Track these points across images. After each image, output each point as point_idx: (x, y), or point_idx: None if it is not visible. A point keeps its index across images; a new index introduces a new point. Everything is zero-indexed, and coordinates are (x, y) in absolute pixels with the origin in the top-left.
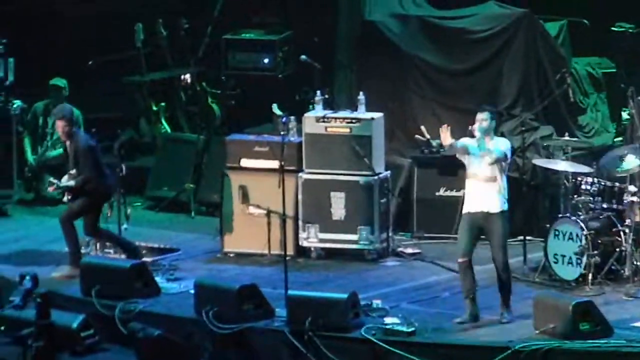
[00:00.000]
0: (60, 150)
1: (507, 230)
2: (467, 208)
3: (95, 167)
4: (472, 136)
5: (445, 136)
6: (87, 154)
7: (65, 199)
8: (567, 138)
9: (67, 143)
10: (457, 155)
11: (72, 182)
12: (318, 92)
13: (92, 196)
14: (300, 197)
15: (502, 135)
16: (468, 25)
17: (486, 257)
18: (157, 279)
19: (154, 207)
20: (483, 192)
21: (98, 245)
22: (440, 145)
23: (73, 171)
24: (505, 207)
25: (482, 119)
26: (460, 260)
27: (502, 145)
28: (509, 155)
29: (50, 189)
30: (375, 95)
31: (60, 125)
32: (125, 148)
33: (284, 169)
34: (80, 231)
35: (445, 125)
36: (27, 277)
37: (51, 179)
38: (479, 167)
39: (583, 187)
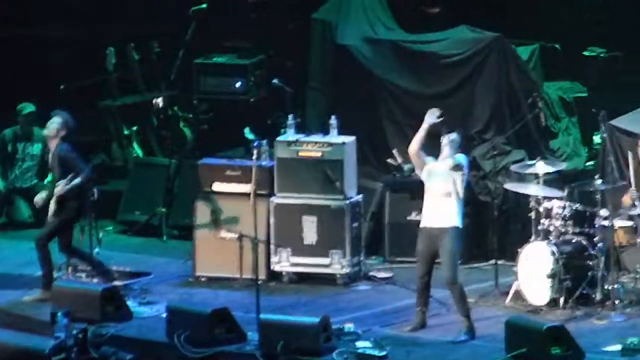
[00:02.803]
0: (35, 182)
1: (457, 247)
2: (422, 222)
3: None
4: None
5: (431, 115)
6: (71, 157)
7: (51, 210)
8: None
9: (52, 146)
10: (414, 163)
11: (77, 180)
12: (290, 116)
13: (71, 212)
14: (272, 221)
15: (474, 159)
16: (440, 50)
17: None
18: (129, 302)
19: (126, 231)
20: (438, 208)
21: (70, 268)
22: (412, 170)
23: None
24: (459, 224)
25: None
26: (417, 281)
27: (460, 158)
28: (465, 167)
29: (56, 191)
30: (347, 119)
31: (55, 121)
32: (97, 172)
33: (256, 193)
34: (54, 254)
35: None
36: (60, 314)
37: (63, 182)
38: (435, 182)
39: (554, 211)
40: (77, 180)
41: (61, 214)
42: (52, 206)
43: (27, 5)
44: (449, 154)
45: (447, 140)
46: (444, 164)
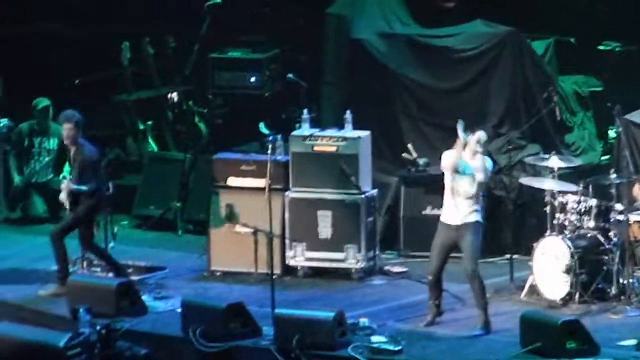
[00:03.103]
0: (50, 176)
1: (478, 241)
2: (443, 217)
3: (98, 178)
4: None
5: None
6: (94, 165)
7: (66, 203)
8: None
9: (72, 149)
10: (443, 166)
11: (84, 187)
12: (305, 111)
13: (87, 208)
14: (287, 215)
15: (489, 153)
16: (455, 44)
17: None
18: (144, 297)
19: (141, 225)
20: (461, 207)
21: (85, 263)
22: (427, 164)
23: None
24: (480, 219)
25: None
26: (429, 277)
27: (487, 163)
28: (489, 170)
29: (63, 187)
30: (362, 113)
31: (66, 128)
32: (112, 166)
33: (270, 188)
34: (69, 249)
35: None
36: (82, 310)
37: (69, 178)
38: (460, 184)
39: (569, 205)
40: (83, 187)
41: (75, 210)
42: (66, 201)
43: (27, 4)
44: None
45: (475, 142)
46: (472, 163)
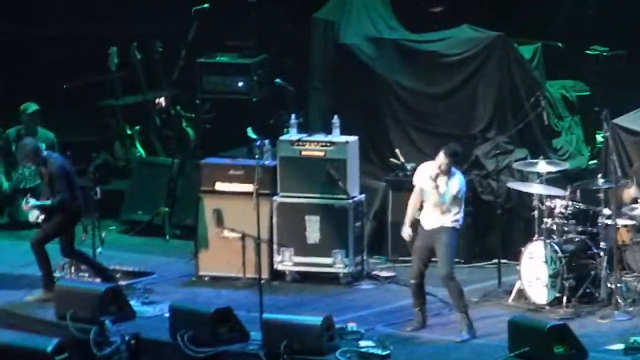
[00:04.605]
0: (38, 182)
1: (453, 245)
2: (421, 221)
3: (69, 188)
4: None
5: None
6: (62, 176)
7: (39, 218)
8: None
9: (42, 168)
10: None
11: (47, 202)
12: (292, 116)
13: (63, 218)
14: (275, 220)
15: (477, 158)
16: (442, 49)
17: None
18: (132, 302)
19: (129, 230)
20: (436, 211)
21: (73, 268)
22: (414, 169)
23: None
24: (457, 224)
25: (442, 162)
26: (411, 281)
27: (454, 187)
28: (462, 193)
29: (25, 207)
30: (349, 118)
31: (29, 162)
32: (100, 171)
33: (258, 193)
34: (53, 255)
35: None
36: (107, 321)
37: (28, 197)
38: (432, 201)
39: (557, 210)
40: (47, 202)
41: (53, 219)
42: (35, 214)
43: (26, 4)
44: (445, 179)
45: (438, 164)
46: (439, 190)
